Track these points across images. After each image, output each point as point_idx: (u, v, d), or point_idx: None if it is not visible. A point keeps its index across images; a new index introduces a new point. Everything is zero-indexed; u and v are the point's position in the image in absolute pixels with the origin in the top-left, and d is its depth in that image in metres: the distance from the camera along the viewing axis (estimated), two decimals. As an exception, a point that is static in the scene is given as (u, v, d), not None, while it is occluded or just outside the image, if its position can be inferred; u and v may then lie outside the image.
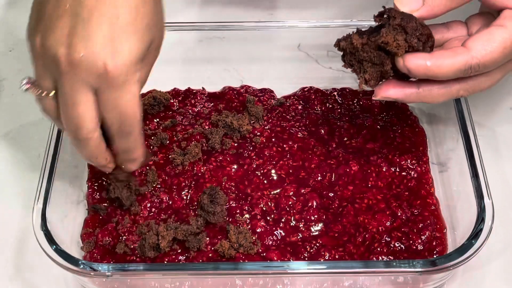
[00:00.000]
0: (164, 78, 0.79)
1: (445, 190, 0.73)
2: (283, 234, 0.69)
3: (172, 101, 0.80)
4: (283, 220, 0.69)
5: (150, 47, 0.59)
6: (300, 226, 0.69)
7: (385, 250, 0.66)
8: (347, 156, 0.74)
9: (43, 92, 0.59)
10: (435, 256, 0.66)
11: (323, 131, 0.76)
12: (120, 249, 0.67)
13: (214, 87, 0.81)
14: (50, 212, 0.64)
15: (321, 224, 0.69)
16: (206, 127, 0.77)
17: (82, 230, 0.70)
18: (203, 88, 0.81)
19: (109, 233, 0.69)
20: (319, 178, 0.72)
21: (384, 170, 0.73)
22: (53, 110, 0.60)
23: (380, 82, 0.64)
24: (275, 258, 0.66)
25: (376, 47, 0.62)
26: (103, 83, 0.56)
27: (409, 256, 0.66)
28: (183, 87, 0.81)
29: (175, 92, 0.81)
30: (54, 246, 0.62)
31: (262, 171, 0.73)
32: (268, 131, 0.77)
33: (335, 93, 0.80)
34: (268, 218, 0.70)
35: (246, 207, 0.70)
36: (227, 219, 0.69)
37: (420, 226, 0.68)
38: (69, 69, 0.56)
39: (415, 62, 0.60)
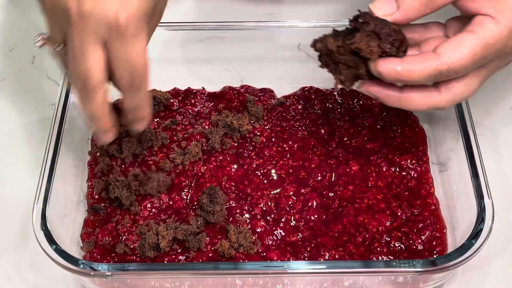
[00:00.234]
0: (164, 78, 0.79)
1: (445, 190, 0.73)
2: (283, 234, 0.69)
3: (172, 101, 0.80)
4: (283, 220, 0.69)
5: (155, 10, 0.61)
6: (300, 226, 0.69)
7: (385, 250, 0.67)
8: (347, 156, 0.74)
9: (58, 45, 0.60)
10: (435, 256, 0.66)
11: (323, 131, 0.76)
12: (120, 249, 0.67)
13: (214, 87, 0.81)
14: (50, 212, 0.64)
15: (321, 224, 0.69)
16: (206, 127, 0.77)
17: (82, 230, 0.70)
18: (203, 88, 0.81)
19: (109, 233, 0.69)
20: (319, 178, 0.72)
21: (384, 170, 0.73)
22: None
23: (356, 83, 0.65)
24: (275, 258, 0.66)
25: (351, 51, 0.63)
26: (113, 35, 0.57)
27: (409, 256, 0.66)
28: (183, 87, 0.81)
29: (175, 92, 0.81)
30: (54, 246, 0.62)
31: (262, 171, 0.73)
32: (268, 131, 0.77)
33: (335, 93, 0.80)
34: (268, 218, 0.70)
35: (246, 207, 0.70)
36: (227, 218, 0.69)
37: (420, 226, 0.68)
38: (79, 22, 0.57)
39: (387, 67, 0.61)
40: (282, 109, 0.79)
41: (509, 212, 0.72)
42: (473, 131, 0.70)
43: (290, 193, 0.71)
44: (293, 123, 0.77)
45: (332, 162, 0.74)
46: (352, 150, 0.75)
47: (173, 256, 0.67)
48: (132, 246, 0.67)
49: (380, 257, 0.66)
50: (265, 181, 0.72)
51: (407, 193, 0.71)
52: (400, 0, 0.62)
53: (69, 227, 0.69)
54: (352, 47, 0.62)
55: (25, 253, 0.71)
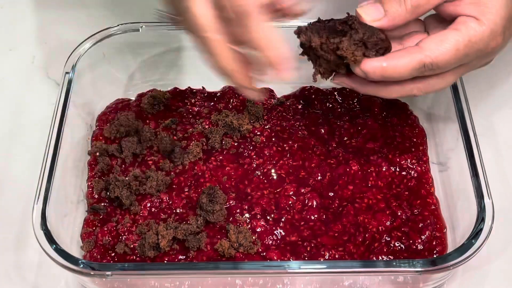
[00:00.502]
0: (164, 78, 0.79)
1: (445, 190, 0.73)
2: (283, 233, 0.69)
3: (172, 100, 0.80)
4: (283, 219, 0.69)
5: None
6: (300, 225, 0.69)
7: (385, 250, 0.66)
8: (347, 155, 0.74)
9: (176, 19, 0.61)
10: (435, 256, 0.66)
11: (323, 131, 0.76)
12: (120, 249, 0.67)
13: (214, 87, 0.81)
14: (50, 212, 0.64)
15: (321, 223, 0.69)
16: (206, 127, 0.77)
17: (82, 229, 0.70)
18: (203, 87, 0.81)
19: (109, 232, 0.69)
20: (319, 177, 0.72)
21: (384, 169, 0.73)
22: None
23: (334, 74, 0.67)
24: (275, 258, 0.66)
25: (334, 51, 0.63)
26: None
27: (409, 255, 0.66)
28: (183, 87, 0.81)
29: (175, 92, 0.81)
30: (54, 246, 0.62)
31: (262, 171, 0.73)
32: (268, 130, 0.77)
33: (335, 93, 0.80)
34: (268, 217, 0.70)
35: (246, 207, 0.70)
36: (227, 218, 0.69)
37: (420, 225, 0.68)
38: None
39: (372, 65, 0.62)
40: (282, 108, 0.79)
41: (509, 212, 0.72)
42: (473, 131, 0.70)
43: (290, 193, 0.71)
44: (293, 122, 0.77)
45: (332, 161, 0.74)
46: (352, 150, 0.75)
47: (173, 256, 0.67)
48: (132, 246, 0.67)
49: (380, 257, 0.66)
50: (265, 181, 0.72)
51: (407, 193, 0.71)
52: (386, 5, 0.63)
53: (69, 227, 0.69)
54: (337, 52, 0.63)
55: (25, 253, 0.71)
